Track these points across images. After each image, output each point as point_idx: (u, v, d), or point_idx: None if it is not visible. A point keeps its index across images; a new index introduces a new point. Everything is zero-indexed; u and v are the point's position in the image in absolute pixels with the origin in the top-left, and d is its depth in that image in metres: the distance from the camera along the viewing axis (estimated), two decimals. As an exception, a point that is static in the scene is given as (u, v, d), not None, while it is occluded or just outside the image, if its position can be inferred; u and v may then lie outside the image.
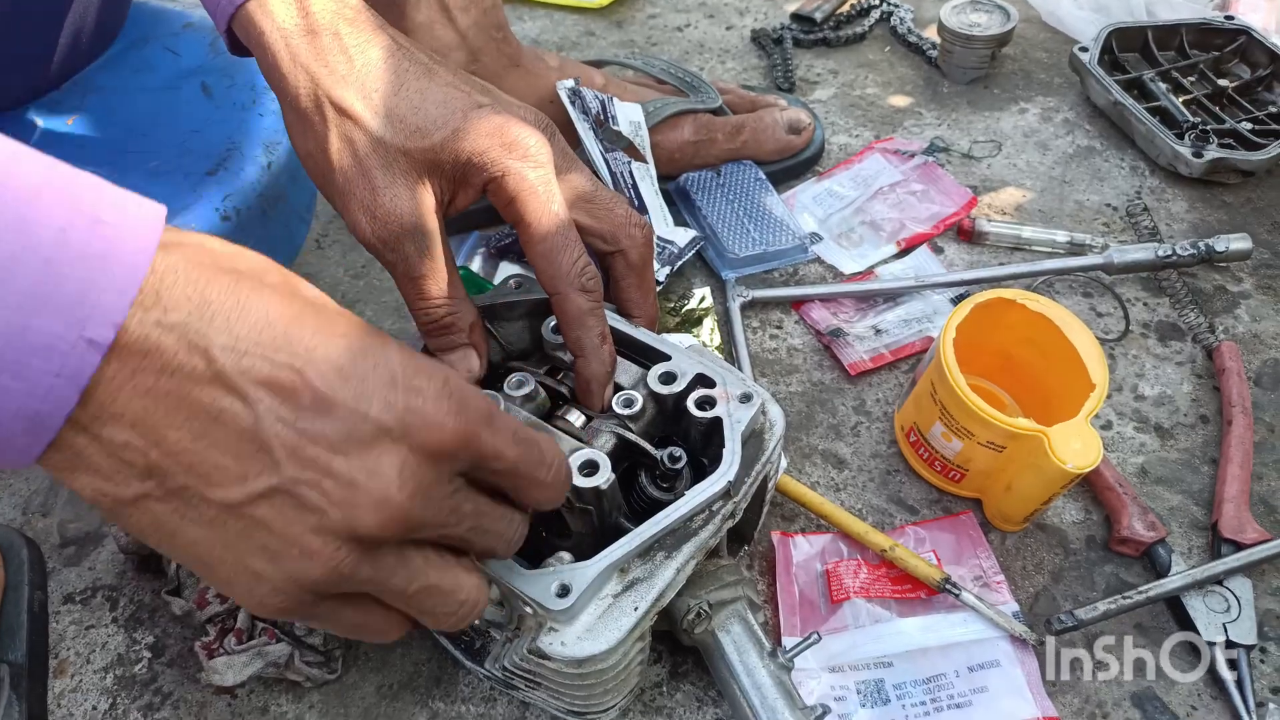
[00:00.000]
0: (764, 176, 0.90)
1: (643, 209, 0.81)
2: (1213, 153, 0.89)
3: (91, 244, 0.29)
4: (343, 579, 0.35)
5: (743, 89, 0.95)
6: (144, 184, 0.60)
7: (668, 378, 0.54)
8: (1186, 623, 0.62)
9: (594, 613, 0.48)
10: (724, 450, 0.51)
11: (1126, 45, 1.03)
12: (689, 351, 0.56)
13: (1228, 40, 1.01)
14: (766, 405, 0.55)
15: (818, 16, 1.13)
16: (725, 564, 0.57)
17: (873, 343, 0.80)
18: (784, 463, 0.70)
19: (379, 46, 0.49)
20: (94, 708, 0.62)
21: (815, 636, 0.55)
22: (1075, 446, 0.59)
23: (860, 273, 0.86)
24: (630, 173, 0.82)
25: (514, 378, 0.55)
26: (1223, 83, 0.98)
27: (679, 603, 0.53)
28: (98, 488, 0.32)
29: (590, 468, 0.49)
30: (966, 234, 0.88)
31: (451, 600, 0.39)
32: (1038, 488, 0.62)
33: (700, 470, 0.51)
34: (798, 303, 0.84)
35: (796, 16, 1.15)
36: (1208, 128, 0.92)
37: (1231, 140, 0.92)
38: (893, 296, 0.83)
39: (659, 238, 0.82)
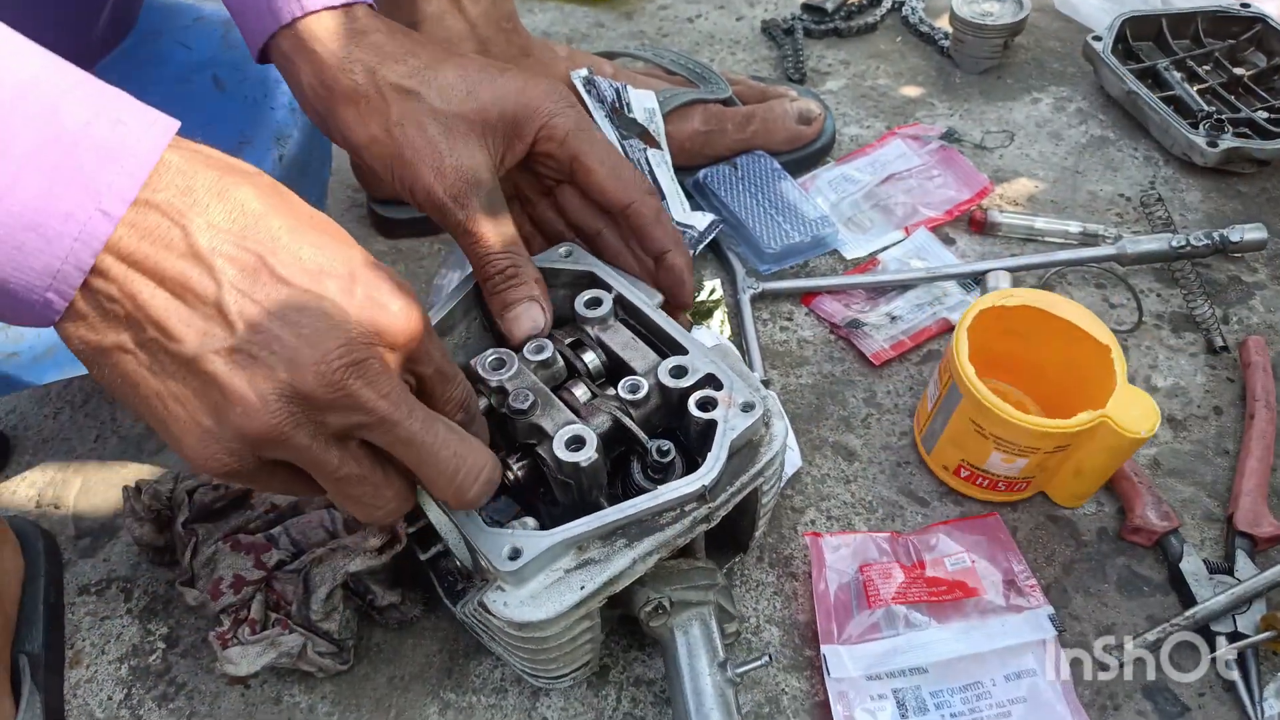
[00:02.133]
0: (780, 166, 0.89)
1: (660, 195, 0.81)
2: (1228, 142, 0.88)
3: (111, 138, 0.35)
4: (281, 439, 0.38)
5: (753, 80, 0.94)
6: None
7: (678, 371, 0.54)
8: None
9: (542, 582, 0.49)
10: (709, 454, 0.51)
11: (1141, 34, 1.02)
12: (712, 351, 0.56)
13: (1244, 28, 1.00)
14: (770, 419, 0.55)
15: (828, 6, 1.12)
16: (701, 566, 0.57)
17: (890, 330, 0.79)
18: (791, 469, 0.70)
19: (412, 39, 0.55)
20: (109, 698, 0.63)
21: (766, 659, 0.55)
22: (1135, 413, 0.59)
23: (864, 259, 0.86)
24: (646, 159, 0.82)
25: (534, 342, 0.56)
26: (1238, 71, 0.97)
27: (639, 592, 0.54)
28: (81, 335, 0.37)
29: (576, 443, 0.50)
30: (978, 225, 0.87)
31: (372, 495, 0.44)
32: (1111, 461, 0.63)
33: (694, 469, 0.51)
34: (808, 295, 0.83)
35: (807, 7, 1.14)
36: (1223, 117, 0.91)
37: (1247, 129, 0.91)
38: (906, 287, 0.82)
39: (678, 223, 0.81)
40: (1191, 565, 0.63)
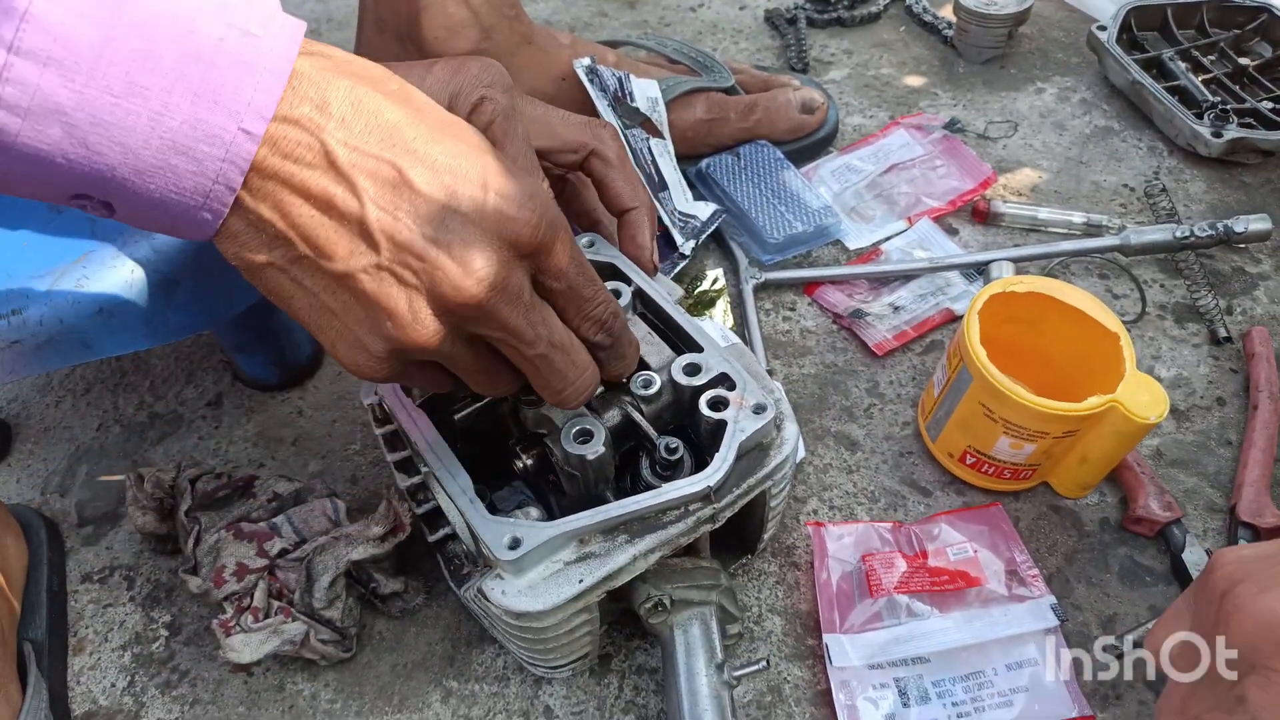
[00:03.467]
0: (782, 155, 0.89)
1: (662, 184, 0.81)
2: (1232, 132, 0.88)
3: (244, 53, 0.34)
4: (429, 348, 0.41)
5: (756, 69, 0.94)
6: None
7: (692, 369, 0.53)
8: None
9: (542, 573, 0.49)
10: (716, 454, 0.50)
11: (1145, 23, 1.01)
12: (728, 350, 0.56)
13: (1249, 18, 0.99)
14: (782, 422, 0.54)
15: (832, -4, 1.12)
16: (705, 566, 0.56)
17: (893, 320, 0.79)
18: (799, 453, 0.69)
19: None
20: (112, 685, 0.63)
21: (764, 664, 0.55)
22: (1145, 399, 0.59)
23: (867, 249, 0.86)
24: (649, 149, 0.82)
25: None
26: (1243, 61, 0.97)
27: (640, 588, 0.54)
28: (235, 252, 0.39)
29: (584, 436, 0.50)
30: (982, 215, 0.87)
31: (491, 383, 0.47)
32: (1118, 449, 0.63)
33: (703, 468, 0.51)
34: (811, 285, 0.83)
35: (810, -4, 1.14)
36: (1227, 107, 0.91)
37: (1252, 120, 0.91)
38: (909, 277, 0.82)
39: (681, 212, 0.81)
40: (1194, 556, 0.63)
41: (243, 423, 0.77)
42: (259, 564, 0.60)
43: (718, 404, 0.52)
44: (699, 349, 0.55)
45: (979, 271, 0.82)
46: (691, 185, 0.87)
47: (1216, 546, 0.65)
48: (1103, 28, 0.99)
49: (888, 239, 0.86)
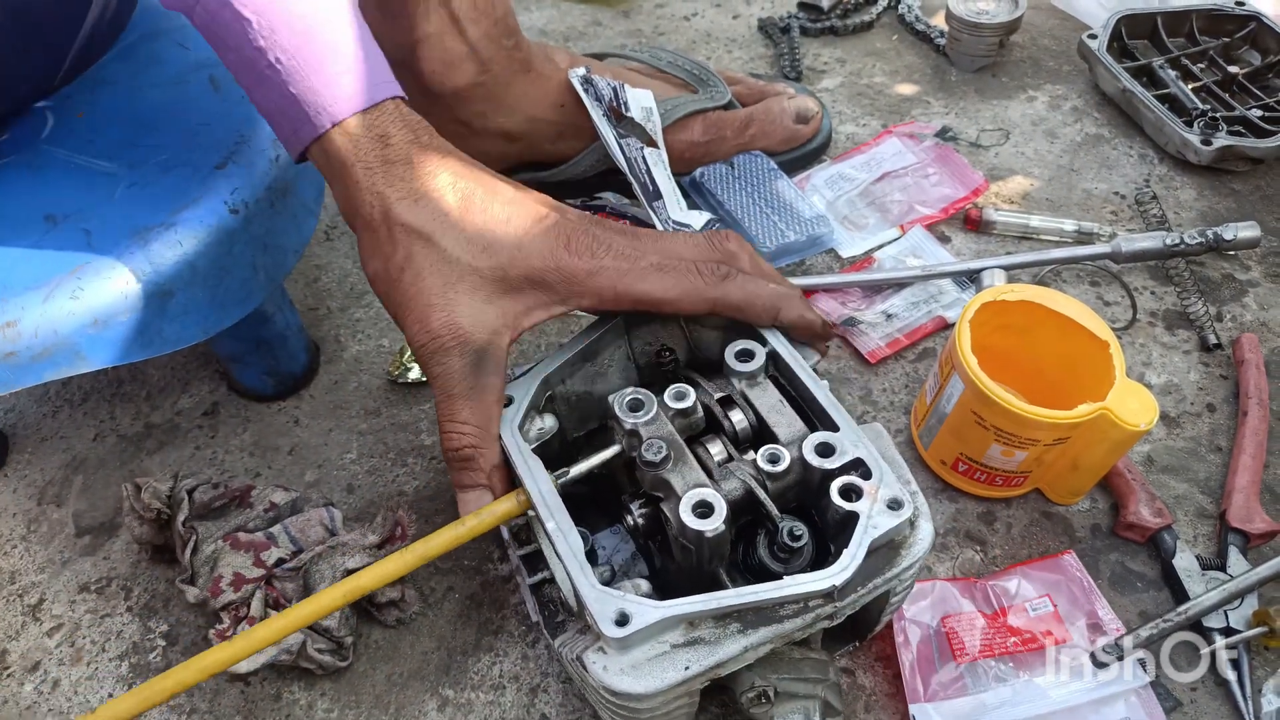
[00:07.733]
0: (775, 165, 0.90)
1: (657, 193, 0.82)
2: (1222, 140, 0.89)
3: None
4: None
5: (750, 78, 0.95)
6: (154, 177, 0.61)
7: (825, 450, 0.50)
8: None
9: (647, 653, 0.46)
10: (845, 550, 0.46)
11: (1136, 32, 1.02)
12: (866, 431, 0.52)
13: (1238, 26, 1.00)
14: (918, 521, 0.50)
15: (825, 4, 1.13)
16: (815, 658, 0.53)
17: (886, 328, 0.80)
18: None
19: (448, 170, 0.52)
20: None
21: None
22: (1134, 406, 0.60)
23: (860, 257, 0.86)
24: (644, 158, 0.82)
25: (676, 388, 0.53)
26: (1233, 69, 0.97)
27: (744, 677, 0.50)
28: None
29: (704, 509, 0.47)
30: (974, 223, 0.88)
31: None
32: (1109, 455, 0.64)
33: (825, 555, 0.47)
34: (804, 294, 0.83)
35: (803, 5, 1.14)
36: (1217, 115, 0.92)
37: (1241, 128, 0.92)
38: (902, 285, 0.83)
39: (675, 221, 0.82)
40: (1184, 561, 0.64)
41: (239, 432, 0.77)
42: (256, 574, 0.60)
43: (850, 493, 0.48)
44: (834, 427, 0.51)
45: (971, 279, 0.82)
46: (685, 194, 0.88)
47: (1207, 552, 0.65)
48: (1093, 36, 1.00)
49: (880, 247, 0.87)
